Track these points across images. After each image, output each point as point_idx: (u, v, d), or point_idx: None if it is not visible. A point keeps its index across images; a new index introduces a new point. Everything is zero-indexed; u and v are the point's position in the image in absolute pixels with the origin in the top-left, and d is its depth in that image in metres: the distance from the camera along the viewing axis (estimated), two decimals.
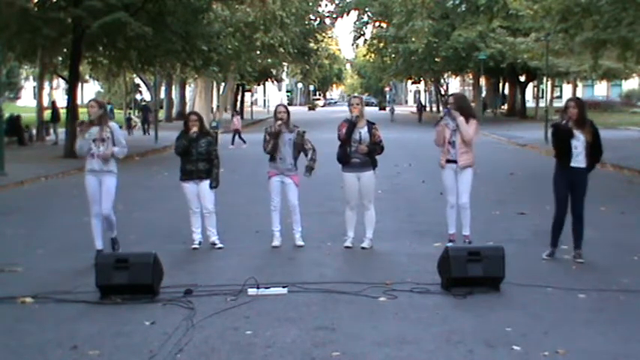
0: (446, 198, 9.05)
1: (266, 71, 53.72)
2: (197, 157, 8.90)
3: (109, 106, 38.01)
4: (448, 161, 8.80)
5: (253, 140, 27.94)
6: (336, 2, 51.00)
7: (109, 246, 8.67)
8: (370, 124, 8.83)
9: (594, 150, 8.19)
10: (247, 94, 63.80)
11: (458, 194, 8.84)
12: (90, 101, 8.67)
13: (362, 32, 54.92)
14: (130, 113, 41.99)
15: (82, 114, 24.72)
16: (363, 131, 8.76)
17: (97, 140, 8.35)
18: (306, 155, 9.11)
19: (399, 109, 71.00)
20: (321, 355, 5.26)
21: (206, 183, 8.96)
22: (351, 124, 8.75)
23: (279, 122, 8.91)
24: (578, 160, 8.11)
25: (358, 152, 8.74)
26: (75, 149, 8.59)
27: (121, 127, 32.08)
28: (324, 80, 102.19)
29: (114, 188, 8.52)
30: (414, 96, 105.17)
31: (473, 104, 41.46)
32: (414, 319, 6.08)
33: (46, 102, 34.48)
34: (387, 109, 63.12)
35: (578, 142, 8.08)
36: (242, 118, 55.92)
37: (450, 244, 7.95)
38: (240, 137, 28.41)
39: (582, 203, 8.21)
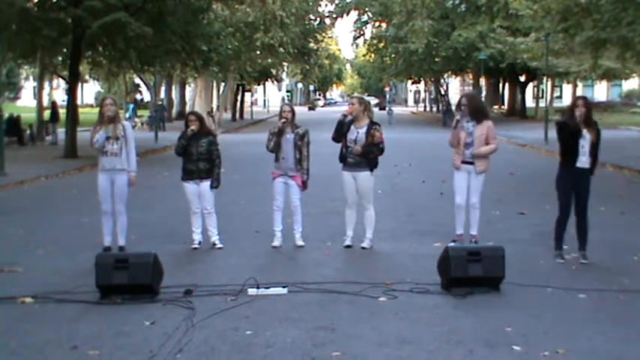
0: (454, 198, 9.02)
1: (266, 71, 53.68)
2: (197, 156, 8.89)
3: (131, 106, 38.22)
4: (463, 162, 8.80)
5: (253, 140, 27.99)
6: (336, 2, 50.89)
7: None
8: (371, 125, 8.75)
9: (595, 151, 8.17)
10: (247, 94, 63.73)
11: (469, 195, 8.84)
12: (106, 99, 8.78)
13: (362, 32, 54.85)
14: (152, 112, 42.19)
15: (82, 114, 24.88)
16: (361, 131, 8.70)
17: (112, 138, 8.50)
18: (301, 161, 8.93)
19: (397, 110, 70.58)
20: (321, 355, 5.26)
21: (206, 183, 8.95)
22: (340, 124, 8.78)
23: (283, 121, 8.90)
24: (583, 161, 8.09)
25: (353, 153, 8.74)
26: (92, 142, 8.57)
27: (134, 126, 32.18)
28: (324, 80, 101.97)
29: (126, 187, 8.64)
30: (414, 96, 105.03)
31: None
32: (414, 319, 6.08)
33: (46, 102, 34.49)
34: (386, 109, 62.77)
35: (585, 142, 8.06)
36: (242, 118, 55.99)
37: (451, 244, 7.93)
38: None
39: (586, 204, 8.21)
